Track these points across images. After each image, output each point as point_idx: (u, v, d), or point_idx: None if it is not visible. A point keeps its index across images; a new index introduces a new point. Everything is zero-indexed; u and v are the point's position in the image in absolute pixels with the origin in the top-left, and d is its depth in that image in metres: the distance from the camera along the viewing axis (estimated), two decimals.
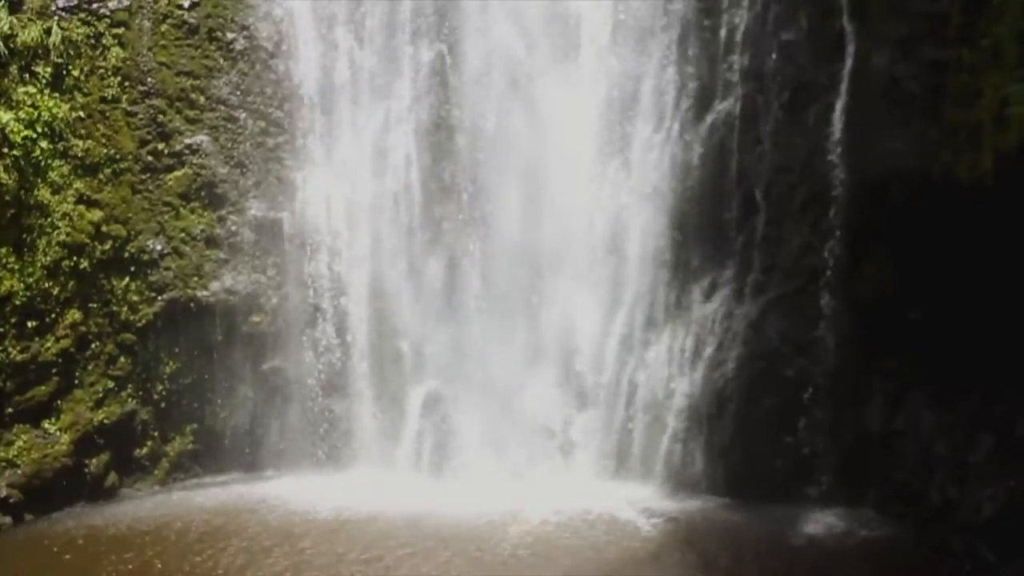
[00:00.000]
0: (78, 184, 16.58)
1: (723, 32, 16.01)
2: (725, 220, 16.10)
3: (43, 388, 16.19)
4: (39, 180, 16.18)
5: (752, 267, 15.75)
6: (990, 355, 12.73)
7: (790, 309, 15.25)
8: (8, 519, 15.59)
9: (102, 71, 16.84)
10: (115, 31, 16.94)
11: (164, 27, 17.22)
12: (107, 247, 16.83)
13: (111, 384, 16.93)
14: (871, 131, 13.82)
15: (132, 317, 17.11)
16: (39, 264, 16.09)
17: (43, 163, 16.23)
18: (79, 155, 16.59)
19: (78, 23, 16.66)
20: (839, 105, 14.58)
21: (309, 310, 17.87)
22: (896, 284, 13.83)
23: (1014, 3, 11.85)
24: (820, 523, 14.15)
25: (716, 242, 16.19)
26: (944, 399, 13.60)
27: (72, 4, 16.66)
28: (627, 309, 16.85)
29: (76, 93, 16.60)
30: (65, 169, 16.47)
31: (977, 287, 12.60)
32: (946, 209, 12.64)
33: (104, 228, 16.79)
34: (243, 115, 17.55)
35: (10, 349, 15.82)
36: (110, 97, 16.89)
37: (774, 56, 15.38)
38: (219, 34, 17.48)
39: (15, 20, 16.10)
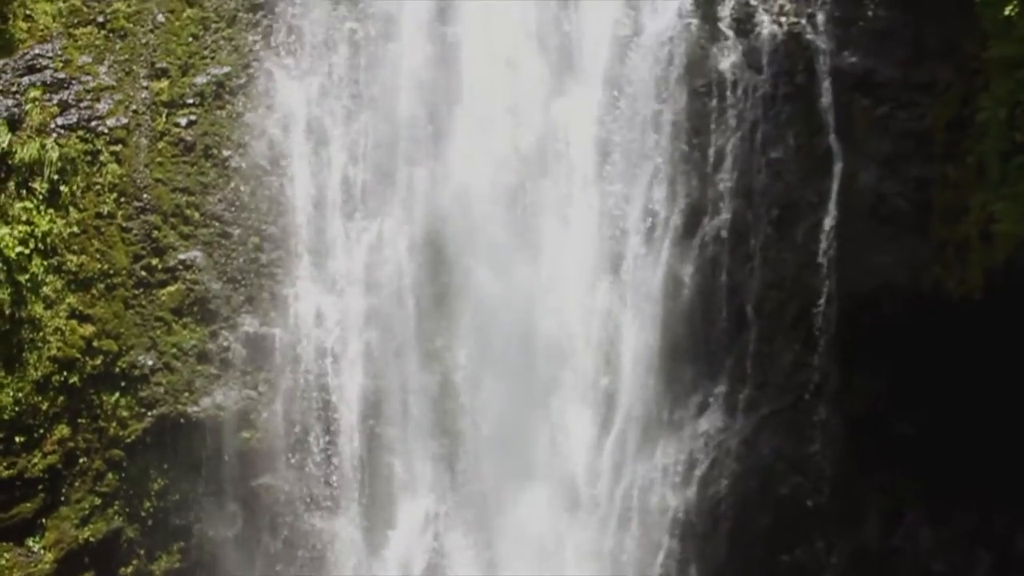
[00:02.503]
0: (71, 299, 16.61)
1: (712, 151, 16.24)
2: (717, 336, 16.12)
3: (28, 505, 15.97)
4: (32, 295, 16.20)
5: (745, 383, 15.73)
6: (986, 469, 12.68)
7: (784, 425, 15.21)
8: None
9: (98, 187, 17.01)
10: (112, 148, 17.15)
11: (161, 144, 17.44)
12: (98, 362, 16.78)
13: (97, 501, 16.70)
14: (860, 247, 13.99)
15: (121, 433, 16.96)
16: (29, 379, 16.01)
17: (37, 278, 16.27)
18: (73, 270, 16.64)
19: (76, 140, 16.88)
20: (828, 222, 14.78)
21: (300, 426, 17.73)
22: (889, 398, 13.85)
23: (996, 122, 12.09)
24: None
25: (708, 358, 16.19)
26: (941, 515, 13.51)
27: (71, 122, 16.90)
28: (620, 426, 16.74)
29: (72, 209, 16.74)
30: (58, 284, 16.51)
31: (970, 400, 12.61)
32: (937, 323, 12.71)
33: (96, 343, 16.76)
34: (237, 231, 17.66)
35: None
36: (105, 213, 17.02)
37: (762, 174, 15.62)
38: (215, 151, 17.69)
39: (14, 137, 16.33)
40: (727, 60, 16.09)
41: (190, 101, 17.63)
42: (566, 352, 17.20)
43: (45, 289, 16.37)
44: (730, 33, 16.00)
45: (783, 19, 15.69)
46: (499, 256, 17.47)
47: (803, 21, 15.51)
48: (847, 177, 14.48)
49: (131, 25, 17.44)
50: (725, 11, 16.12)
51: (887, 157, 13.85)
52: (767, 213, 15.58)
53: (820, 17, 15.42)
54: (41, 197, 16.45)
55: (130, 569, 17.04)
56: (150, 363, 17.16)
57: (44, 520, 16.09)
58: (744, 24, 15.96)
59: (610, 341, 16.97)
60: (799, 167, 15.25)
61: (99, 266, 16.89)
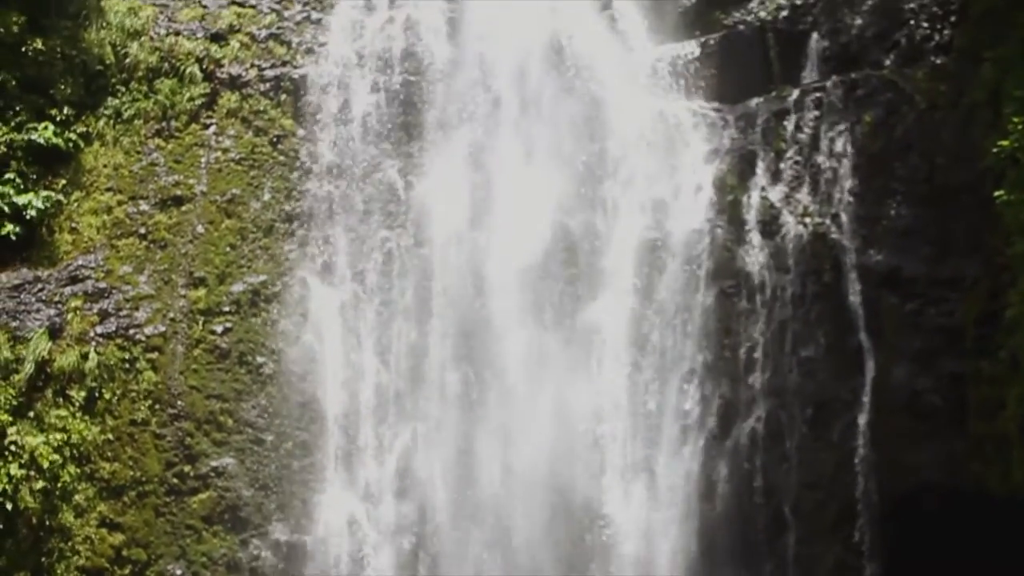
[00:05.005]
0: (102, 507, 16.56)
1: (743, 351, 16.32)
2: (755, 539, 15.82)
3: None
4: (63, 504, 16.20)
5: None
6: None
7: None
8: None
9: (134, 394, 17.18)
10: (149, 356, 17.41)
11: (196, 352, 17.68)
12: (127, 572, 16.57)
13: None
14: (897, 445, 13.89)
15: None
16: None
17: (68, 487, 16.29)
18: (105, 477, 16.65)
19: (114, 348, 17.17)
20: (863, 420, 14.73)
21: None
22: None
23: None
24: None
25: (747, 562, 15.85)
26: None
27: (110, 330, 17.24)
28: None
29: (107, 416, 16.89)
30: (90, 492, 16.51)
31: None
32: (980, 520, 12.44)
33: (125, 552, 16.60)
34: (270, 437, 17.67)
35: None
36: (140, 420, 17.14)
37: (794, 373, 15.64)
38: (249, 358, 17.89)
39: (54, 346, 16.66)
40: (754, 261, 16.35)
41: (226, 309, 17.95)
42: (601, 558, 16.87)
43: (77, 497, 16.37)
44: (756, 235, 16.31)
45: (807, 219, 16.03)
46: (532, 461, 17.36)
47: (827, 221, 15.86)
48: (880, 374, 14.51)
49: (171, 236, 17.99)
50: (750, 213, 16.50)
51: (919, 353, 13.89)
52: (801, 412, 15.55)
53: (844, 217, 15.77)
54: (78, 405, 16.65)
55: None
56: (179, 572, 16.93)
57: None
58: (769, 225, 16.31)
59: (644, 546, 16.66)
60: (831, 365, 15.30)
61: (131, 473, 16.90)
